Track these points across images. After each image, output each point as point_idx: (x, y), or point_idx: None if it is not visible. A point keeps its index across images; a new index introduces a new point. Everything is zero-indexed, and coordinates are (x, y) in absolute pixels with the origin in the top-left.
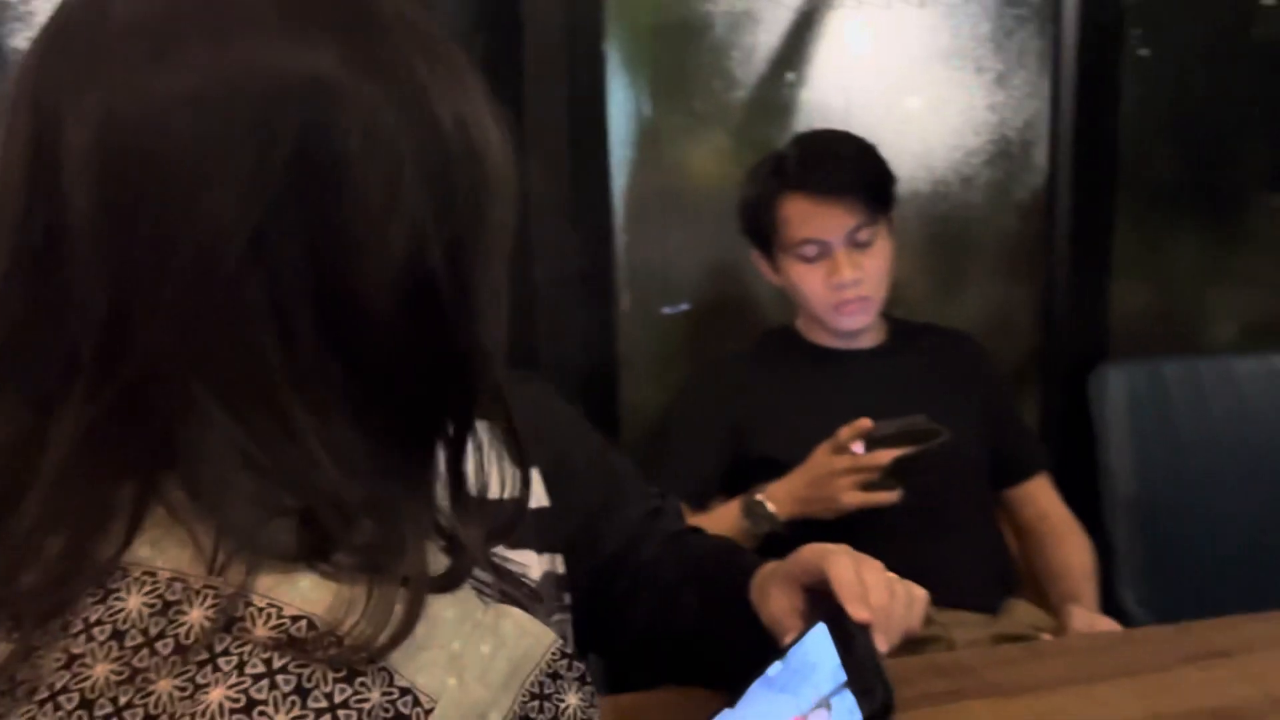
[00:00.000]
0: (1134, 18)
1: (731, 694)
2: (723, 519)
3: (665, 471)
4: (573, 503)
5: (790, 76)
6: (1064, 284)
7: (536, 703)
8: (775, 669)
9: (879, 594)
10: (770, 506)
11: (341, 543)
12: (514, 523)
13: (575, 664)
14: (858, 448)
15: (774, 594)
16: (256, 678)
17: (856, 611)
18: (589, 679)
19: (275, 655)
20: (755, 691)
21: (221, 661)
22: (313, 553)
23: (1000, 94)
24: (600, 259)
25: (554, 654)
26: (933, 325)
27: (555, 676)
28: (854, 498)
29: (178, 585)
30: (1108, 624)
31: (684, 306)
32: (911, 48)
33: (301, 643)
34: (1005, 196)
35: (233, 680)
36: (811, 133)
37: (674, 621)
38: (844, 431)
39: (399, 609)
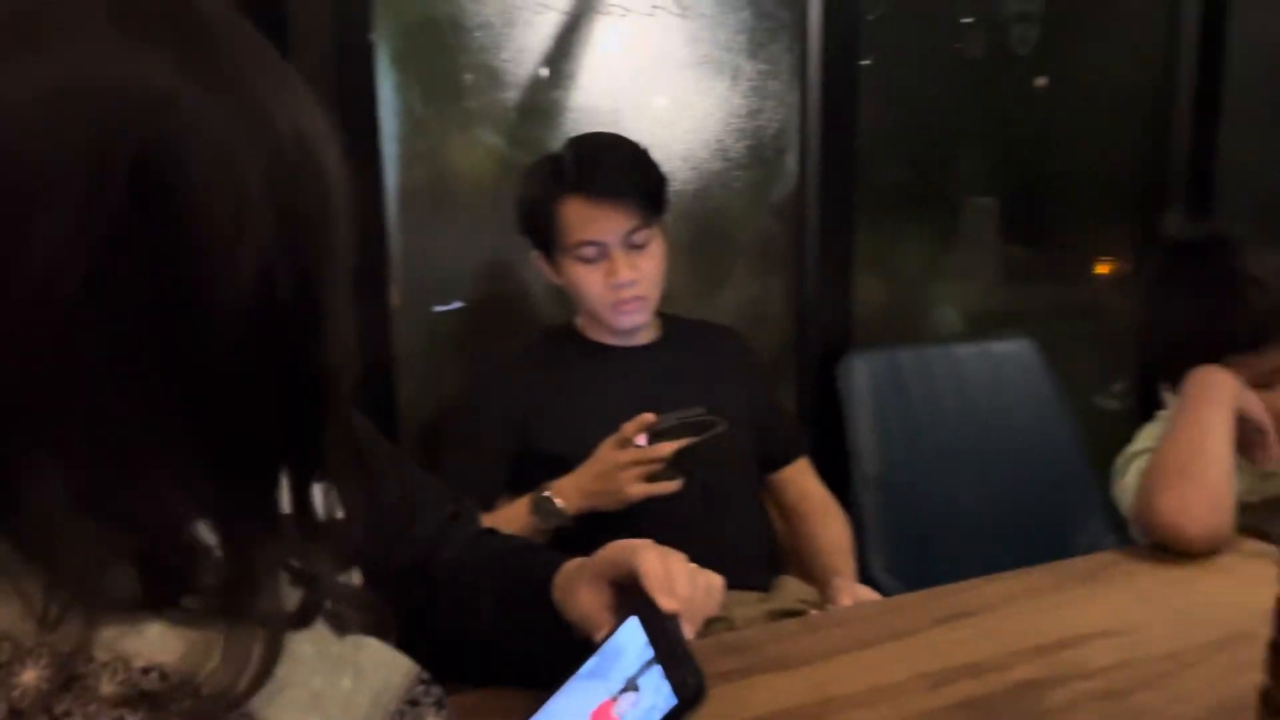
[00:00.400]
0: (868, 36)
1: (548, 690)
2: (511, 517)
3: (450, 471)
4: (370, 512)
5: (559, 79)
6: (814, 281)
7: None
8: (591, 663)
9: (684, 585)
10: (559, 502)
11: (189, 585)
12: (356, 546)
13: (432, 688)
14: (641, 441)
15: (582, 592)
16: None
17: (666, 603)
18: (444, 701)
19: (126, 712)
20: (570, 685)
21: None
22: (159, 599)
23: (756, 101)
24: (372, 256)
25: (411, 680)
26: (702, 321)
27: (414, 703)
28: (639, 489)
29: (6, 645)
30: (868, 593)
31: (456, 304)
32: (674, 54)
33: (154, 696)
34: (761, 199)
35: None
36: (586, 136)
37: (476, 625)
38: (628, 426)
39: (257, 651)
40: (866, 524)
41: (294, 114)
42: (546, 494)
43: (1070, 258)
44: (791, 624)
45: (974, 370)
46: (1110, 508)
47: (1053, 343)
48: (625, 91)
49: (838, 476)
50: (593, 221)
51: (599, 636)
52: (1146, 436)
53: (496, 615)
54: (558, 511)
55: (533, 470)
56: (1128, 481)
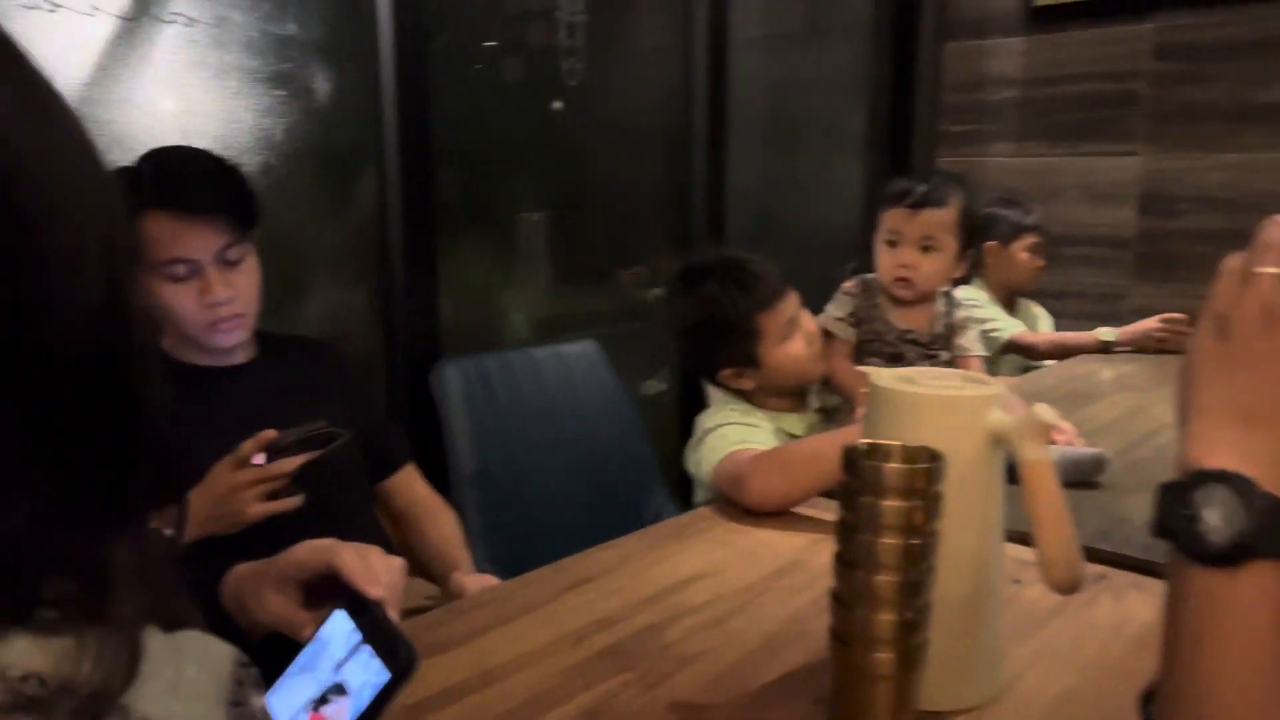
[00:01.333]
0: (436, 63)
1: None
2: None
3: None
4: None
5: (114, 88)
6: (401, 293)
7: (236, 709)
8: (301, 658)
9: (385, 573)
10: (167, 533)
11: (40, 599)
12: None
13: (250, 670)
14: (260, 459)
15: (269, 597)
16: None
17: (374, 591)
18: (261, 681)
19: (20, 716)
20: (283, 682)
21: None
22: (13, 614)
23: (337, 117)
24: None
25: (235, 663)
26: (298, 336)
27: (241, 684)
28: (260, 508)
29: None
30: (490, 579)
31: None
32: (239, 66)
33: (39, 701)
34: (347, 213)
35: None
36: (165, 149)
37: None
38: (247, 445)
39: (123, 650)
40: (468, 521)
41: (83, 135)
42: (153, 526)
43: (616, 266)
44: (438, 612)
45: (550, 370)
46: (669, 480)
47: (608, 342)
48: (197, 100)
49: (437, 477)
50: (182, 238)
51: (306, 634)
52: (713, 416)
53: None
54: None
55: None
56: (703, 455)
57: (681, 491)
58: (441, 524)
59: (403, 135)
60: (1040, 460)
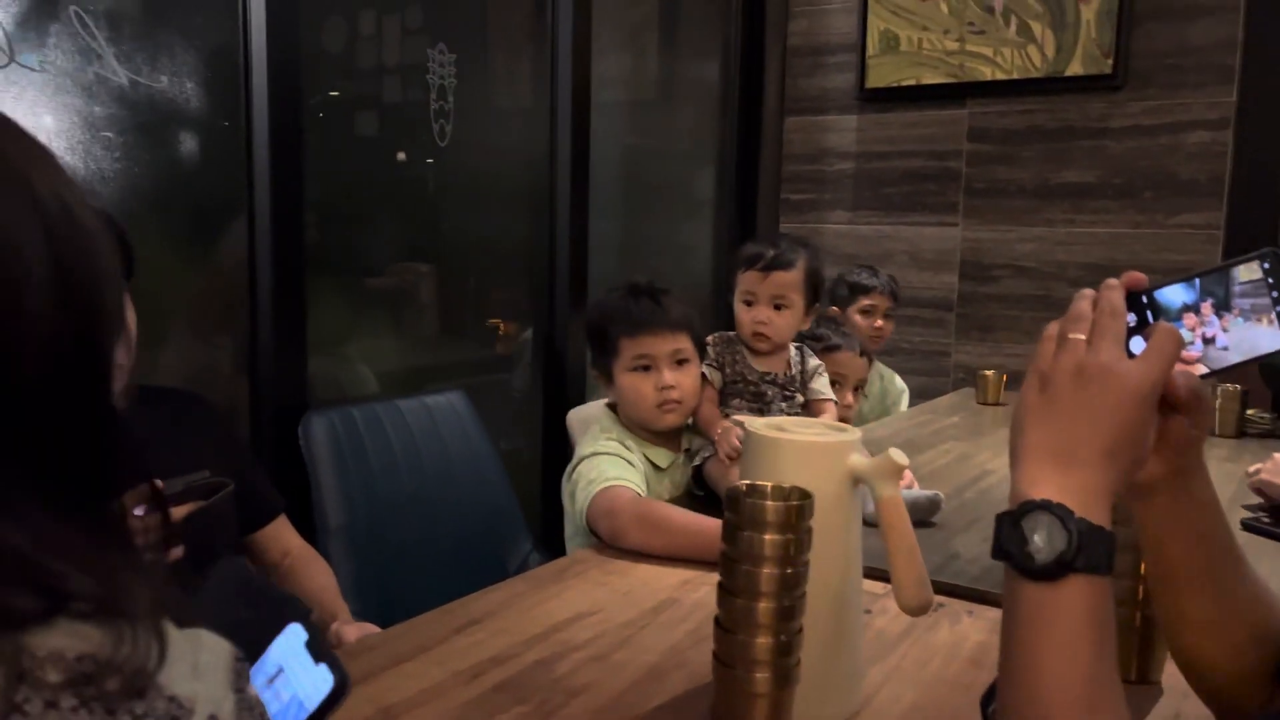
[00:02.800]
0: (309, 119)
1: None
2: None
3: None
4: None
5: None
6: (268, 343)
7: (239, 695)
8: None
9: None
10: None
11: (70, 594)
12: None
13: (244, 664)
14: (140, 510)
15: None
16: (74, 709)
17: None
18: (248, 673)
19: (78, 690)
20: None
21: (28, 708)
22: (49, 609)
23: (208, 170)
24: None
25: (233, 656)
26: (163, 388)
27: (239, 674)
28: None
29: None
30: (371, 628)
31: None
32: (118, 118)
33: (92, 677)
34: (215, 263)
35: (52, 716)
36: None
37: None
38: (128, 498)
39: (151, 636)
40: (336, 570)
41: (54, 184)
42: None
43: (483, 320)
44: (343, 650)
45: (416, 421)
46: (534, 530)
47: (473, 393)
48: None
49: (302, 531)
50: None
51: None
52: (590, 441)
53: None
54: None
55: None
56: (577, 483)
57: (546, 540)
58: (316, 574)
59: (275, 189)
60: (895, 497)
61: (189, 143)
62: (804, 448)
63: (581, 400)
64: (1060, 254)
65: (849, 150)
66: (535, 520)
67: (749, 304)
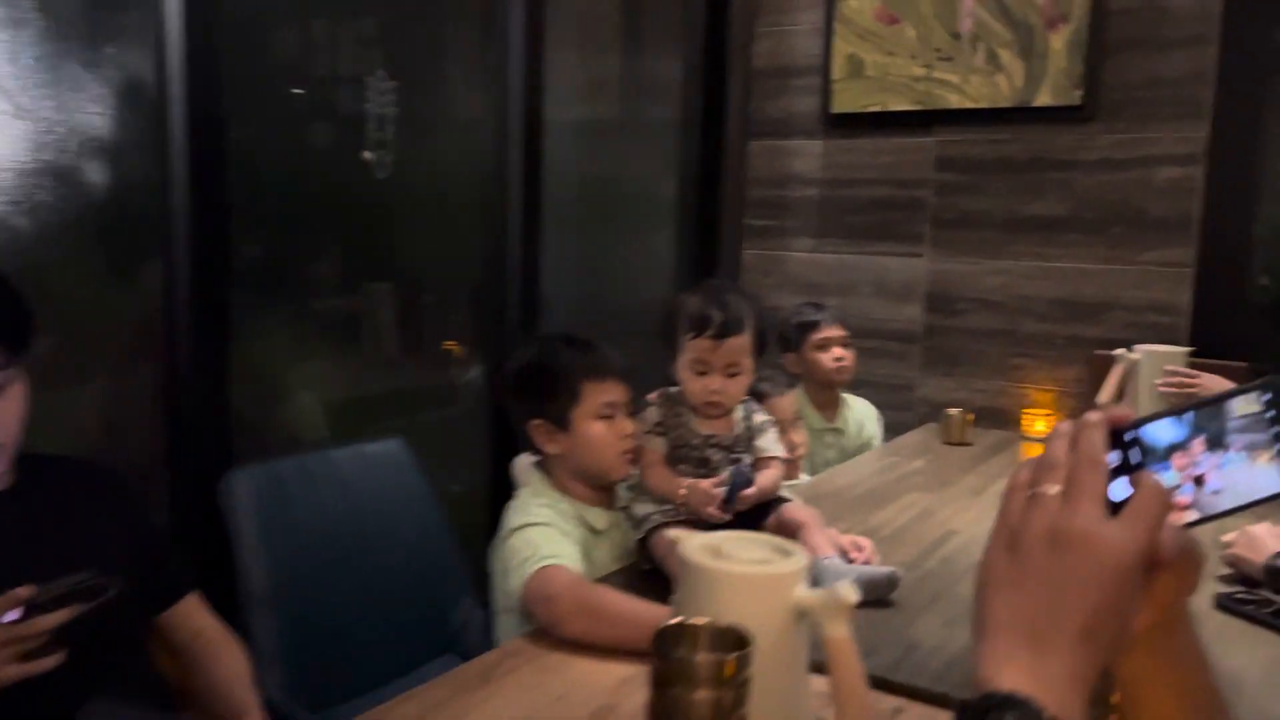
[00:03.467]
0: (234, 146)
1: None
2: None
3: None
4: None
5: None
6: (187, 400)
7: None
8: None
9: None
10: None
11: None
12: None
13: None
14: (12, 615)
15: None
16: None
17: None
18: None
19: None
20: None
21: None
22: None
23: (123, 209)
24: None
25: None
26: (64, 457)
27: None
28: (11, 671)
29: None
30: None
31: None
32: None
33: None
34: (129, 307)
35: None
36: None
37: None
38: None
39: None
40: (260, 645)
41: None
42: None
43: (434, 346)
44: None
45: (351, 474)
46: (479, 583)
47: (425, 427)
48: None
49: (225, 599)
50: None
51: None
52: (519, 510)
53: None
54: None
55: None
56: (508, 559)
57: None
58: (227, 661)
59: (193, 228)
60: (843, 637)
61: (101, 176)
62: (743, 580)
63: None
64: (1027, 288)
65: (814, 176)
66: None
67: (701, 373)
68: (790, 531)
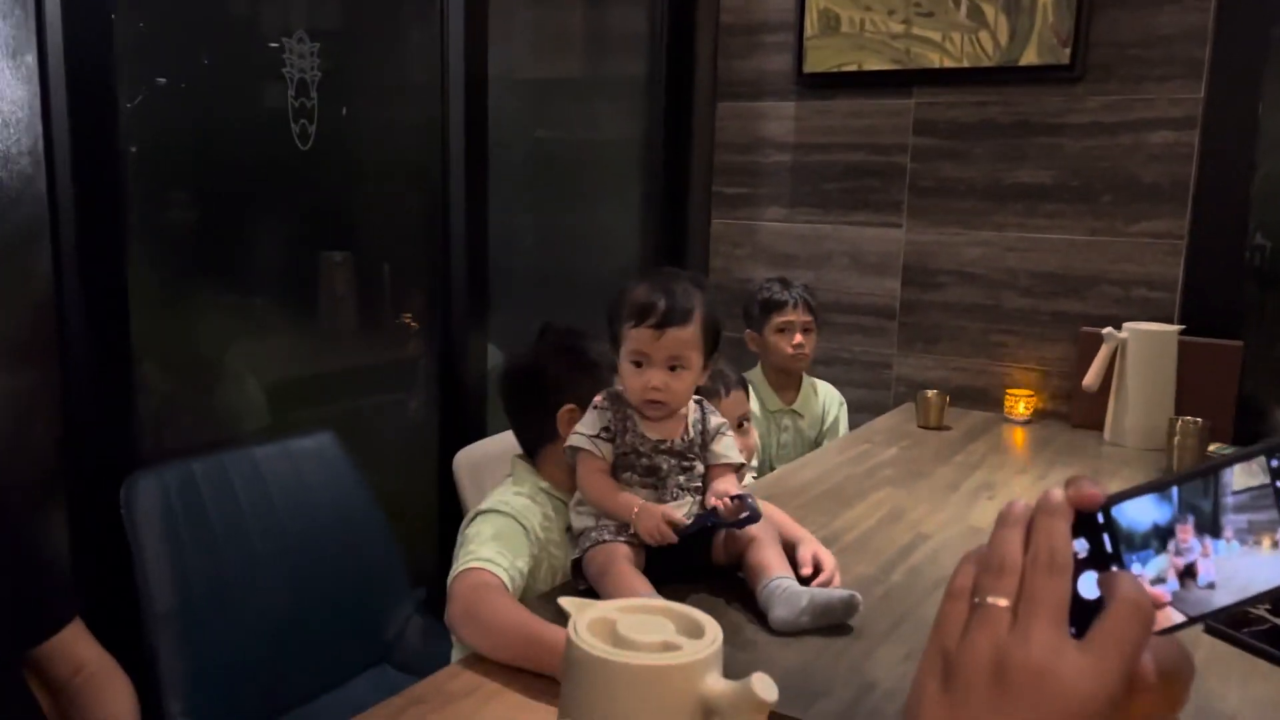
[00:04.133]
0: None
1: None
2: None
3: None
4: None
5: None
6: (85, 399)
7: None
8: None
9: None
10: None
11: None
12: None
13: None
14: None
15: None
16: None
17: None
18: None
19: None
20: None
21: None
22: None
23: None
24: None
25: None
26: None
27: None
28: None
29: None
30: None
31: None
32: None
33: None
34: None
35: None
36: None
37: None
38: None
39: None
40: (162, 668)
41: None
42: None
43: (387, 319)
44: None
45: (274, 473)
46: (425, 580)
47: (372, 411)
48: None
49: (126, 618)
50: None
51: None
52: (494, 493)
53: None
54: None
55: None
56: (459, 548)
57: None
58: (110, 698)
59: (80, 200)
60: None
61: None
62: (638, 674)
63: (480, 434)
64: (1011, 260)
65: (786, 140)
66: (432, 572)
67: (639, 365)
68: (740, 547)
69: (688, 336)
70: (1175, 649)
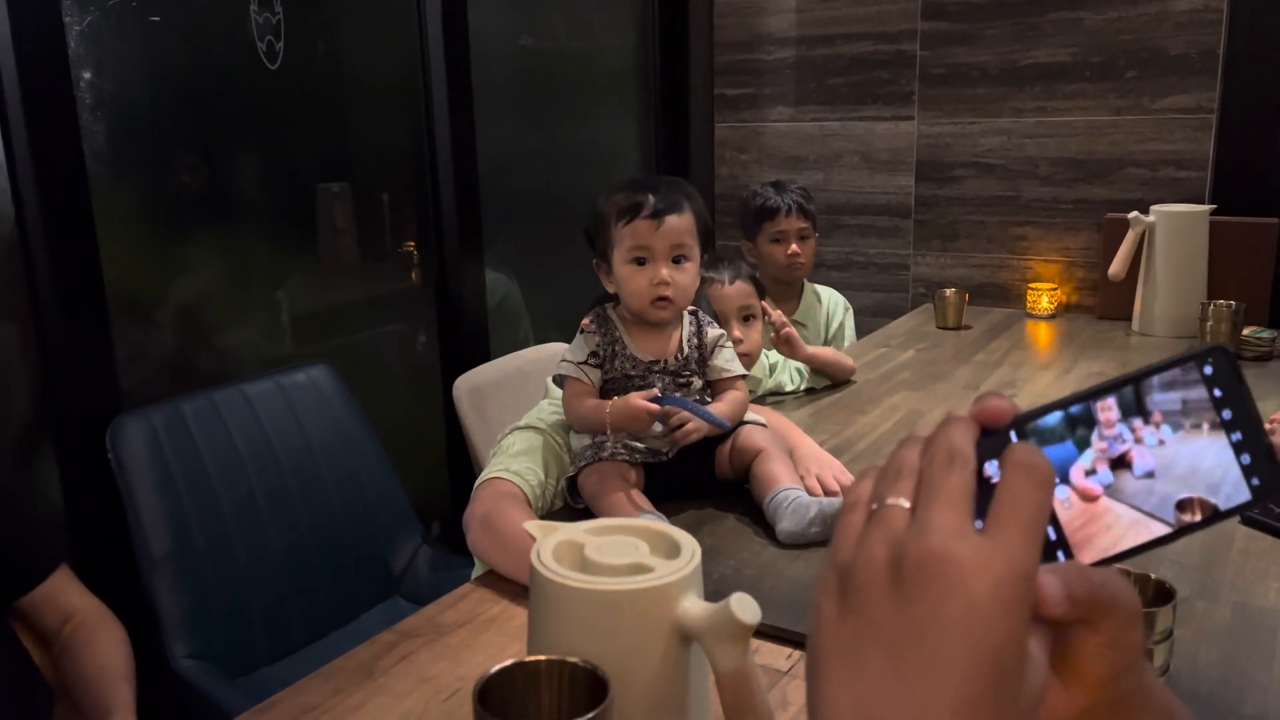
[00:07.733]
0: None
1: None
2: None
3: None
4: None
5: None
6: (63, 340)
7: None
8: None
9: None
10: None
11: None
12: None
13: None
14: None
15: None
16: None
17: None
18: None
19: None
20: None
21: None
22: None
23: None
24: None
25: None
26: None
27: None
28: None
29: None
30: None
31: None
32: None
33: None
34: None
35: None
36: None
37: None
38: None
39: None
40: (160, 606)
41: None
42: None
43: (386, 243)
44: None
45: (267, 409)
46: (436, 512)
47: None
48: None
49: (122, 562)
50: None
51: None
52: (527, 414)
53: None
54: None
55: None
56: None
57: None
58: (99, 650)
59: (33, 130)
60: (739, 670)
61: None
62: (604, 600)
63: (484, 358)
64: (1030, 148)
65: (788, 35)
66: (442, 503)
67: (642, 263)
68: (747, 459)
69: (686, 224)
70: (1101, 578)
